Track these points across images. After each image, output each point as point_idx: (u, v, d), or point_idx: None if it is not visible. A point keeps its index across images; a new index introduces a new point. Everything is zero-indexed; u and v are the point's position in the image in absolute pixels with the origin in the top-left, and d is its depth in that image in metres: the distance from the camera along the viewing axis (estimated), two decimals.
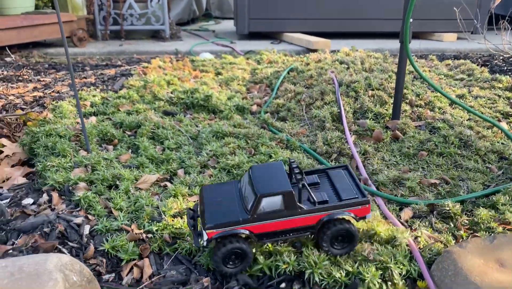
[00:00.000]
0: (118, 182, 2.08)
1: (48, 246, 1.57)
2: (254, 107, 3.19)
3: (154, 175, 2.17)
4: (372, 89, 3.18)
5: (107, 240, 1.65)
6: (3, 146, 2.67)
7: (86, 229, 1.72)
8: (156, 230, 1.72)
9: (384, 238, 1.60)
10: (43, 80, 3.90)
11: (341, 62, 4.04)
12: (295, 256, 1.52)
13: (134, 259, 1.61)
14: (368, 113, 2.92)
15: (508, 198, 1.90)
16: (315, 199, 1.48)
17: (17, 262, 1.23)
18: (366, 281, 1.41)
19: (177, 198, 1.94)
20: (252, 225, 1.43)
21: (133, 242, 1.67)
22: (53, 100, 3.16)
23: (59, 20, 2.17)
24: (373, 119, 2.87)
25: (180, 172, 2.27)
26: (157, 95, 3.09)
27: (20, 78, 4.01)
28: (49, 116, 2.81)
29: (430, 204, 1.95)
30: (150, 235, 1.72)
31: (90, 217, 1.81)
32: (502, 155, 2.39)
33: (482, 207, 1.88)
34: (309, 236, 1.58)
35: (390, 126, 2.80)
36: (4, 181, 2.34)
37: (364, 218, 1.54)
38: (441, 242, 1.63)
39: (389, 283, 1.44)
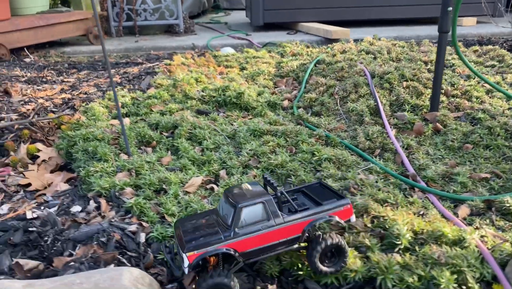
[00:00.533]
0: (165, 186, 2.05)
1: (108, 257, 1.54)
2: (285, 103, 3.14)
3: (198, 177, 2.13)
4: (406, 80, 3.11)
5: (166, 247, 1.62)
6: (39, 150, 2.65)
7: (142, 237, 1.69)
8: None
9: (451, 239, 1.55)
10: (68, 81, 3.87)
11: (367, 52, 3.97)
12: (363, 262, 1.47)
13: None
14: (405, 105, 2.86)
15: None
16: (295, 207, 1.40)
17: (92, 278, 1.21)
18: (442, 286, 1.36)
19: None
20: (235, 242, 1.31)
21: None
22: (82, 102, 3.13)
23: (95, 15, 2.13)
24: (410, 112, 2.81)
25: (222, 172, 2.24)
26: (188, 94, 3.05)
27: (43, 79, 3.98)
28: (82, 119, 2.78)
29: (486, 200, 1.90)
30: None
31: (144, 224, 1.78)
32: None
33: None
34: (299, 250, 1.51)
35: (429, 119, 2.73)
36: (46, 187, 2.32)
37: (349, 220, 1.46)
38: (509, 241, 1.58)
39: (464, 287, 1.39)
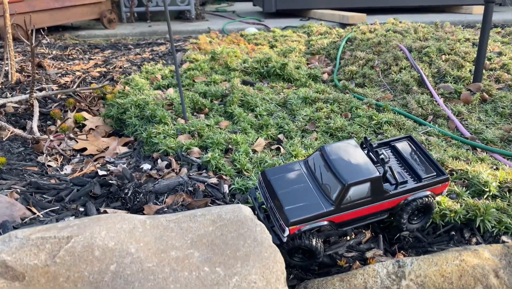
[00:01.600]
0: (231, 146, 2.04)
1: (201, 203, 1.54)
2: (325, 76, 3.14)
3: (262, 138, 2.13)
4: (445, 54, 3.14)
5: (250, 197, 1.62)
6: (85, 119, 2.63)
7: (226, 188, 1.69)
8: None
9: None
10: (95, 58, 3.82)
11: (394, 32, 3.99)
12: (460, 205, 1.49)
13: None
14: (447, 77, 2.89)
15: None
16: (397, 180, 1.33)
17: (212, 210, 1.20)
18: None
19: (300, 158, 1.91)
20: (336, 216, 1.27)
21: None
22: (121, 75, 3.10)
23: None
24: (453, 83, 2.84)
25: (281, 136, 2.24)
26: (230, 66, 3.03)
27: (70, 57, 3.93)
28: (127, 89, 2.75)
29: None
30: None
31: (224, 177, 1.77)
32: None
33: None
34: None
35: (473, 89, 2.76)
36: (102, 151, 2.30)
37: (440, 193, 1.42)
38: None
39: None
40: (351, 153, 1.34)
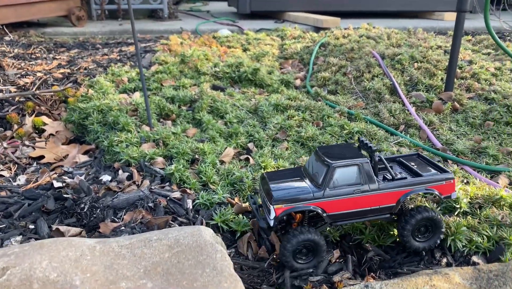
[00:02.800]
0: (197, 156, 1.95)
1: (161, 222, 1.44)
2: (298, 82, 3.09)
3: (230, 148, 2.05)
4: (417, 62, 3.13)
5: (216, 214, 1.53)
6: (45, 124, 2.48)
7: (189, 203, 1.60)
8: None
9: (510, 202, 1.55)
10: (60, 58, 3.65)
11: (368, 37, 3.98)
12: None
13: (246, 232, 1.50)
14: (419, 85, 2.88)
15: None
16: (393, 174, 1.31)
17: (169, 234, 1.11)
18: None
19: (269, 169, 1.84)
20: (324, 201, 1.24)
21: (241, 214, 1.56)
22: (85, 77, 2.96)
23: None
24: (425, 91, 2.82)
25: (251, 145, 2.16)
26: (200, 70, 2.94)
27: (33, 56, 3.74)
28: (91, 92, 2.62)
29: None
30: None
31: (187, 191, 1.68)
32: None
33: None
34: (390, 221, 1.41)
35: (444, 98, 2.76)
36: (61, 160, 2.17)
37: (449, 196, 1.36)
38: None
39: None
40: (343, 149, 1.36)
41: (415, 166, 1.40)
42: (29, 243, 1.03)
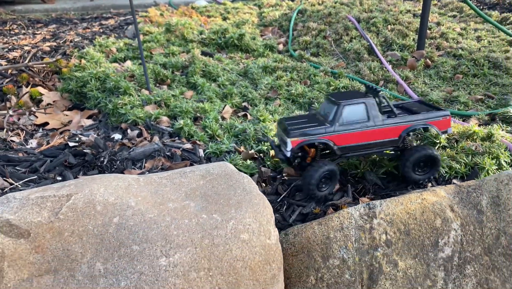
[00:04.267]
0: (199, 114, 2.10)
1: (181, 166, 1.60)
2: (281, 46, 3.24)
3: (228, 106, 2.20)
4: (390, 24, 3.34)
5: (226, 160, 1.70)
6: (41, 94, 2.56)
7: (201, 152, 1.76)
8: (266, 149, 1.79)
9: (481, 136, 1.79)
10: (40, 33, 3.66)
11: (341, 4, 4.15)
12: None
13: (254, 174, 1.68)
14: (393, 45, 3.09)
15: None
16: (395, 112, 1.48)
17: (200, 167, 1.28)
18: (486, 169, 1.59)
19: (267, 122, 2.01)
20: (335, 135, 1.42)
21: (248, 159, 1.74)
22: (74, 49, 3.01)
23: None
24: (399, 51, 3.04)
25: (245, 104, 2.32)
26: (187, 38, 3.04)
27: (11, 32, 3.73)
28: (84, 62, 2.70)
29: (489, 114, 2.17)
30: (261, 155, 1.79)
31: (197, 142, 1.84)
32: None
33: None
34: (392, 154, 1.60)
35: (417, 56, 2.98)
36: (65, 125, 2.27)
37: (446, 132, 1.55)
38: None
39: (500, 171, 1.63)
40: (351, 94, 1.52)
41: (416, 109, 1.58)
42: (80, 178, 1.17)
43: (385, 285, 1.26)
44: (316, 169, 1.43)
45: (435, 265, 1.29)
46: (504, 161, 1.66)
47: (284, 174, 1.66)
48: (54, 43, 3.20)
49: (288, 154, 1.40)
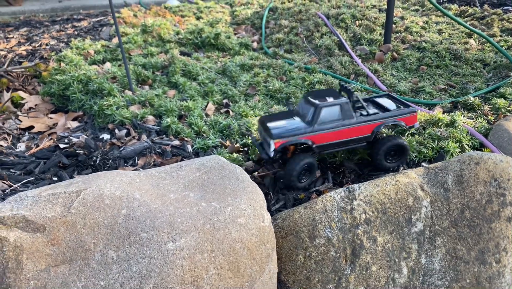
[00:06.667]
0: (183, 112, 2.19)
1: (172, 162, 1.70)
2: (255, 44, 3.36)
3: (210, 104, 2.31)
4: (358, 20, 3.51)
5: (214, 154, 1.81)
6: (22, 98, 2.59)
7: (189, 148, 1.86)
8: (251, 143, 1.91)
9: (446, 122, 1.96)
10: (13, 37, 3.64)
11: (310, 1, 4.30)
12: None
13: (241, 166, 1.80)
14: (362, 40, 3.26)
15: (511, 89, 2.36)
16: (368, 111, 1.63)
17: (194, 161, 1.39)
18: (450, 152, 1.76)
19: (249, 117, 2.13)
20: (313, 135, 1.55)
21: (234, 153, 1.85)
22: (51, 52, 3.04)
23: None
24: (368, 45, 3.21)
25: (226, 101, 2.43)
26: (164, 38, 3.12)
27: None
28: (63, 65, 2.74)
29: (452, 102, 2.36)
30: (245, 148, 1.91)
31: (185, 138, 1.94)
32: (485, 62, 2.88)
33: (496, 98, 2.32)
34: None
35: (384, 50, 3.16)
36: (51, 128, 2.32)
37: (412, 126, 1.70)
38: (487, 121, 2.04)
39: (463, 152, 1.81)
40: (326, 93, 1.64)
41: (386, 105, 1.72)
42: (84, 175, 1.26)
43: (366, 258, 1.41)
44: (297, 162, 1.56)
45: (409, 239, 1.45)
46: (466, 144, 1.85)
47: (258, 171, 1.77)
48: (30, 47, 3.21)
49: (272, 154, 1.53)
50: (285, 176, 1.58)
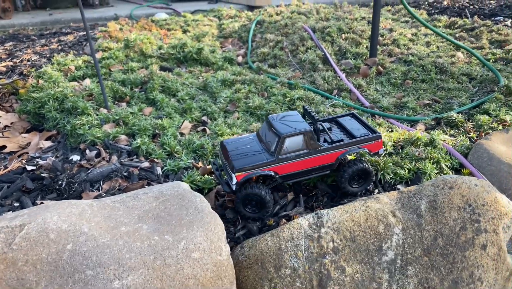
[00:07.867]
0: (158, 131, 2.14)
1: (137, 186, 1.64)
2: (240, 58, 3.31)
3: (187, 122, 2.26)
4: (344, 33, 3.46)
5: (184, 176, 1.75)
6: None
7: (159, 170, 1.80)
8: None
9: (424, 142, 1.90)
10: None
11: (299, 13, 4.27)
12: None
13: (212, 189, 1.74)
14: (347, 54, 3.21)
15: (495, 105, 2.31)
16: (332, 138, 1.58)
17: (153, 188, 1.33)
18: (427, 173, 1.70)
19: (225, 136, 2.07)
20: (277, 166, 1.50)
21: (206, 175, 1.79)
22: (31, 68, 3.00)
23: None
24: (353, 59, 3.17)
25: (205, 118, 2.38)
26: (146, 53, 3.08)
27: None
28: (41, 82, 2.69)
29: (435, 118, 2.30)
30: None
31: (155, 160, 1.88)
32: (471, 76, 2.83)
33: (479, 114, 2.26)
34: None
35: (370, 64, 3.11)
36: (24, 147, 2.26)
37: (377, 153, 1.64)
38: (468, 139, 1.99)
39: (441, 174, 1.75)
40: (291, 118, 1.57)
41: (350, 127, 1.66)
42: (35, 206, 1.20)
43: None
44: (243, 190, 1.51)
45: (379, 268, 1.38)
46: (445, 164, 1.79)
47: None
48: (11, 63, 3.17)
49: (234, 187, 1.47)
50: (235, 201, 1.54)
